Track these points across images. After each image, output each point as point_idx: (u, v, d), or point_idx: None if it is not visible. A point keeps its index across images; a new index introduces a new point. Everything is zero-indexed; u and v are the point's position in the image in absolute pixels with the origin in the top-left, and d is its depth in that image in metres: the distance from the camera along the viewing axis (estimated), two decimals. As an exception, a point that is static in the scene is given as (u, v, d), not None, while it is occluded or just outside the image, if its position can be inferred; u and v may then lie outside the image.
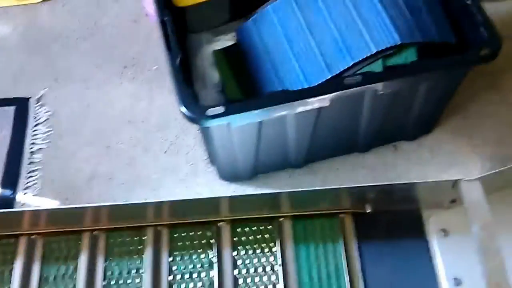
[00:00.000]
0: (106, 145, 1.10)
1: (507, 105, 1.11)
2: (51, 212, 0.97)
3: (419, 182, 0.92)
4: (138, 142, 1.10)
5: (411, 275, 0.92)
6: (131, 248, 0.96)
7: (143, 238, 0.96)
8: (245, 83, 1.00)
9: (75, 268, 0.95)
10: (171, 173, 1.06)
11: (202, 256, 0.95)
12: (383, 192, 0.92)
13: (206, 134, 0.94)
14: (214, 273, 0.94)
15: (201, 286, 0.93)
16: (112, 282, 0.94)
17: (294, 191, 0.95)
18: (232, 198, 0.96)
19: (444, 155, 1.05)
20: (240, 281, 0.93)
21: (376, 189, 0.92)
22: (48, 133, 1.13)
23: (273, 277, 0.93)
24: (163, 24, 0.89)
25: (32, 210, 0.98)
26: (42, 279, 0.95)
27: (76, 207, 0.96)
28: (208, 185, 1.04)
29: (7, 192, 1.07)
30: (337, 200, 0.95)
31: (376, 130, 1.00)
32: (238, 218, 0.97)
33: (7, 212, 0.96)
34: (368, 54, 0.88)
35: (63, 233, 0.97)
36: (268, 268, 0.94)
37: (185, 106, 0.82)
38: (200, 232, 0.96)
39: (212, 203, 0.96)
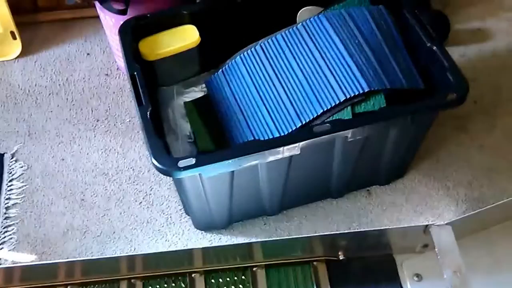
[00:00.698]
0: (80, 198, 1.10)
1: (477, 147, 1.13)
2: (25, 268, 0.96)
3: (391, 228, 0.92)
4: (113, 194, 1.10)
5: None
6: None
7: (117, 291, 0.96)
8: (216, 134, 1.00)
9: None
10: (147, 224, 1.06)
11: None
12: (355, 239, 0.92)
13: (179, 185, 0.94)
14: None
15: None
16: None
17: (267, 241, 0.95)
18: (205, 249, 0.96)
19: (417, 199, 1.06)
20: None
21: (348, 236, 0.92)
22: (23, 188, 1.12)
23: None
24: (133, 78, 0.90)
25: (5, 267, 0.96)
26: None
27: (50, 263, 0.95)
28: (184, 235, 1.04)
29: None
30: (310, 248, 0.95)
31: (348, 176, 1.00)
32: (211, 269, 0.96)
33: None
34: (337, 102, 0.90)
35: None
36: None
37: (156, 159, 0.82)
38: (174, 284, 0.96)
39: (185, 255, 0.96)
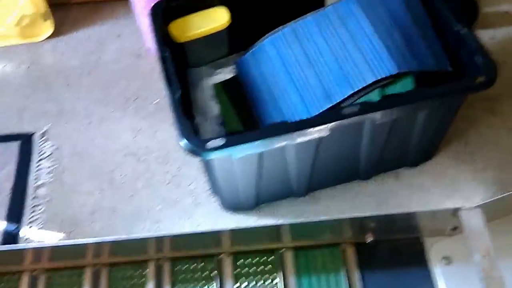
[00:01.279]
0: (109, 178, 1.11)
1: (507, 129, 1.11)
2: (54, 248, 0.97)
3: (420, 211, 0.91)
4: (141, 174, 1.11)
5: (414, 304, 0.92)
6: (132, 282, 0.96)
7: (144, 272, 0.97)
8: (245, 115, 1.00)
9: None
10: (174, 205, 1.06)
11: (205, 288, 0.95)
12: (384, 222, 0.92)
13: (207, 166, 0.95)
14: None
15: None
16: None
17: (296, 223, 0.95)
18: (233, 231, 0.96)
19: (446, 181, 1.05)
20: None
21: (377, 219, 0.91)
22: (52, 168, 1.13)
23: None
24: (163, 60, 0.91)
25: (35, 246, 0.98)
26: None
27: (78, 243, 0.96)
28: (211, 216, 1.04)
29: (12, 227, 1.07)
30: (338, 230, 0.95)
31: (376, 158, 1.00)
32: (239, 251, 0.97)
33: (11, 249, 0.97)
34: (366, 84, 0.89)
35: (65, 268, 0.98)
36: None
37: (185, 139, 0.82)
38: (202, 265, 0.96)
39: (213, 236, 0.96)
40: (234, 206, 1.03)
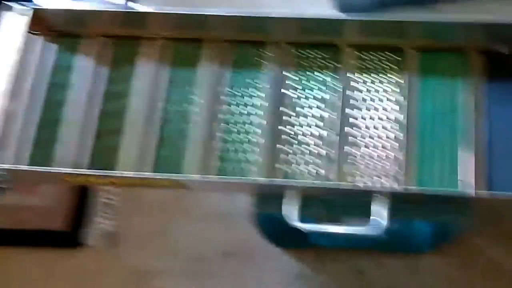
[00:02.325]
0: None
1: None
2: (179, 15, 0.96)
3: None
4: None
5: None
6: (255, 60, 0.96)
7: (267, 53, 0.96)
8: None
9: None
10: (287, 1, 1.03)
11: (326, 77, 0.94)
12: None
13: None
14: (337, 94, 0.93)
15: (323, 105, 0.93)
16: (235, 92, 0.95)
17: (427, 21, 0.91)
18: (360, 21, 0.92)
19: None
20: (361, 105, 0.93)
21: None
22: None
23: (396, 106, 0.92)
24: None
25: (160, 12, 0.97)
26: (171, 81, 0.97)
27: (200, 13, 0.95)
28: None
29: None
30: (470, 36, 0.90)
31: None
32: (365, 44, 0.94)
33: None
34: None
35: (188, 40, 0.98)
36: (392, 97, 0.92)
37: None
38: (325, 53, 0.95)
39: (337, 24, 0.93)
40: (350, 5, 0.99)
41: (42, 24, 0.98)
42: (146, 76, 0.97)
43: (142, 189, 1.18)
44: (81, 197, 1.42)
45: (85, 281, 1.36)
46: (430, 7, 1.00)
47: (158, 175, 0.90)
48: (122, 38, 1.00)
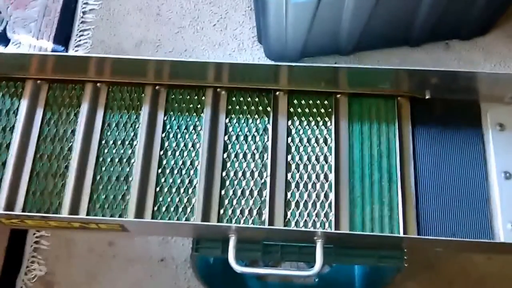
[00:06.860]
0: (156, 12, 1.11)
1: None
2: (116, 61, 0.97)
3: (483, 72, 0.89)
4: (188, 12, 1.11)
5: (462, 163, 0.93)
6: (190, 106, 0.98)
7: (202, 98, 0.98)
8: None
9: (137, 118, 0.97)
10: (218, 47, 1.07)
11: (258, 121, 0.97)
12: (446, 78, 0.90)
13: (261, 8, 0.94)
14: (268, 138, 0.95)
15: (255, 149, 0.95)
16: (171, 136, 0.97)
17: (354, 67, 0.94)
18: (290, 67, 0.94)
19: (496, 58, 1.03)
20: (293, 149, 0.95)
21: (439, 74, 0.90)
22: (101, -6, 1.13)
23: (325, 150, 0.94)
24: None
25: (98, 56, 0.98)
26: (104, 125, 0.98)
27: (139, 59, 0.96)
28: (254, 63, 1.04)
29: (59, 48, 1.10)
30: (396, 82, 0.94)
31: (433, 22, 0.98)
32: (295, 90, 0.97)
33: (73, 57, 0.98)
34: None
35: (127, 84, 0.99)
36: (321, 141, 0.95)
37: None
38: (258, 98, 0.97)
39: (270, 70, 0.95)
40: (278, 55, 1.02)
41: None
42: (83, 119, 0.97)
43: (74, 234, 1.17)
44: (13, 243, 1.39)
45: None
46: (356, 55, 1.05)
47: (96, 218, 0.89)
48: (56, 82, 1.00)
